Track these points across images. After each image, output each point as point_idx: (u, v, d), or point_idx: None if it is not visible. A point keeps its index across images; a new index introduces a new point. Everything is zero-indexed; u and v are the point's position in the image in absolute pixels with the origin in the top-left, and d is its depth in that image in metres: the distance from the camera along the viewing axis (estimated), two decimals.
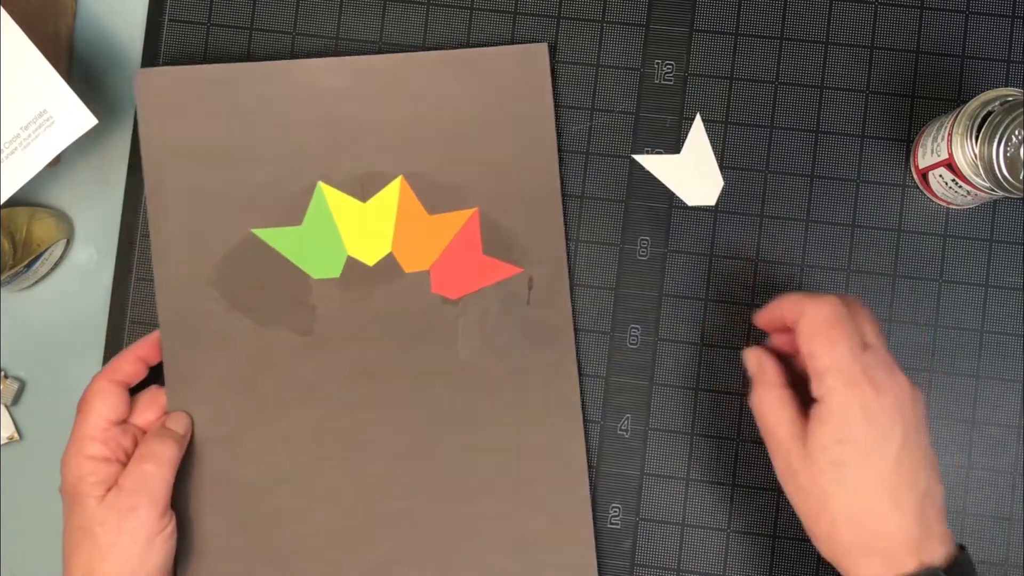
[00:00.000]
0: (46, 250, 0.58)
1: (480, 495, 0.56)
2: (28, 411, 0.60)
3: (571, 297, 0.57)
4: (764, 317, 0.49)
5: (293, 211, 0.56)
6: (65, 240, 0.59)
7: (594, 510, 0.57)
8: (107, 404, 0.52)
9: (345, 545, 0.55)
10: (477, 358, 0.56)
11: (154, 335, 0.56)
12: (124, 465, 0.52)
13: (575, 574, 0.56)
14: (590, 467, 0.57)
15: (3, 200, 0.51)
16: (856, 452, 0.43)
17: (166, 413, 0.55)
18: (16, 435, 0.59)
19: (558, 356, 0.56)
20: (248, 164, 0.56)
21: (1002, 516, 0.57)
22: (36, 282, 0.59)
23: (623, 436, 0.58)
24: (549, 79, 0.57)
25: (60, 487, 0.51)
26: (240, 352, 0.56)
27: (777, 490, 0.57)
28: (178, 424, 0.54)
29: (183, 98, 0.56)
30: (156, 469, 0.51)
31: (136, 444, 0.53)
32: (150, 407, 0.55)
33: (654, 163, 0.58)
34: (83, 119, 0.52)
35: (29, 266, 0.57)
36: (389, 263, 0.56)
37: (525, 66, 0.57)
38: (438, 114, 0.57)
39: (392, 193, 0.56)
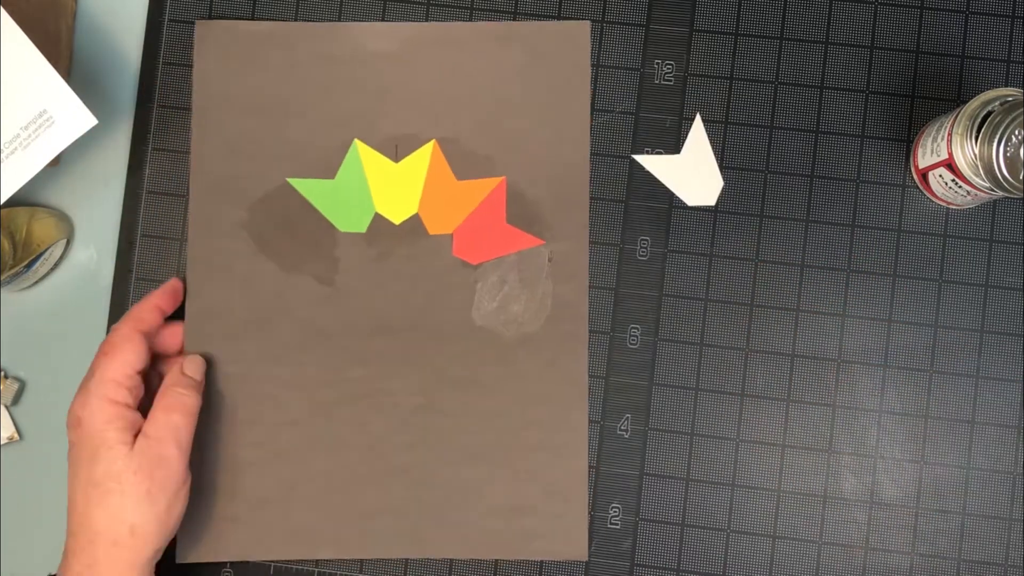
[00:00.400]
0: (46, 250, 0.58)
1: (481, 458, 0.57)
2: (28, 411, 0.60)
3: (589, 275, 0.58)
4: None
5: (328, 165, 0.58)
6: (65, 240, 0.59)
7: (594, 510, 0.57)
8: (135, 351, 0.52)
9: (345, 491, 0.57)
10: (490, 324, 0.57)
11: (169, 285, 0.56)
12: (139, 413, 0.52)
13: (566, 546, 0.57)
14: (590, 467, 0.57)
15: (3, 200, 0.51)
16: None
17: (182, 356, 0.56)
18: (16, 435, 0.59)
19: (570, 330, 0.57)
20: (291, 116, 0.58)
21: (1002, 516, 0.57)
22: (36, 282, 0.59)
23: (623, 436, 0.58)
24: (589, 57, 0.58)
25: (74, 433, 0.50)
26: (262, 295, 0.58)
27: (777, 490, 0.57)
28: (196, 371, 0.55)
29: (238, 50, 0.58)
30: (183, 419, 0.51)
31: (145, 393, 0.53)
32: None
33: (654, 163, 0.58)
34: (83, 119, 0.52)
35: (29, 266, 0.57)
36: (414, 223, 0.58)
37: (566, 42, 0.58)
38: (476, 83, 0.58)
39: (424, 156, 0.58)
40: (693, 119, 0.58)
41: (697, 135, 0.58)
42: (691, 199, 0.58)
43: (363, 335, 0.57)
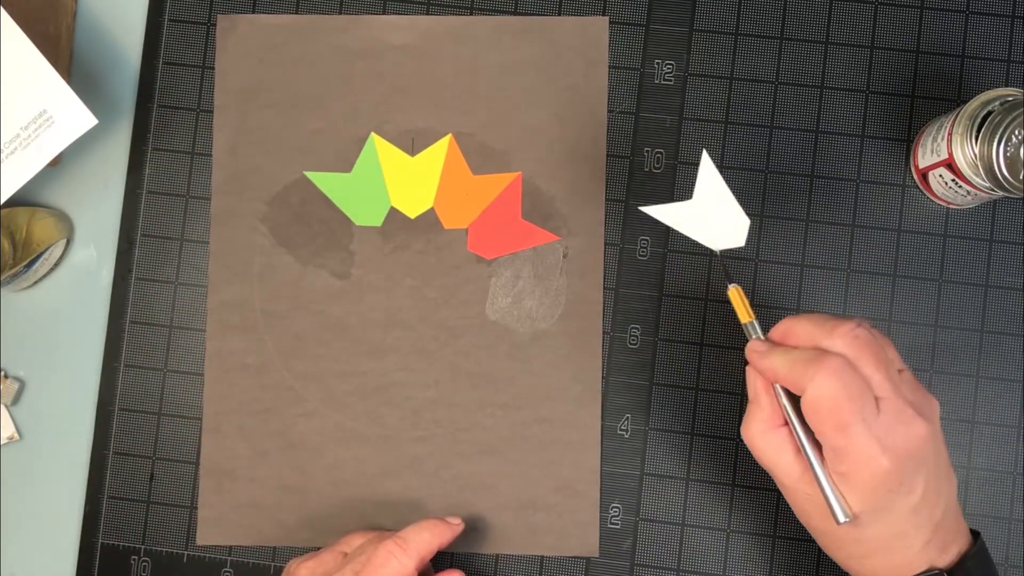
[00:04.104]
0: (46, 250, 0.58)
1: (494, 453, 0.57)
2: (28, 411, 0.60)
3: (604, 272, 0.58)
4: (761, 367, 0.44)
5: (345, 158, 0.59)
6: (65, 240, 0.59)
7: None
8: None
9: (359, 482, 0.58)
10: (504, 319, 0.58)
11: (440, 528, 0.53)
12: None
13: (577, 541, 0.57)
14: None
15: (3, 200, 0.51)
16: (874, 516, 0.42)
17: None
18: (16, 435, 0.59)
19: (584, 326, 0.58)
20: (309, 110, 0.59)
21: (1002, 516, 0.57)
22: (36, 282, 0.59)
23: (623, 436, 0.58)
24: (607, 53, 0.58)
25: None
26: (280, 287, 0.58)
27: (777, 490, 0.57)
28: None
29: (259, 44, 0.59)
30: None
31: None
32: None
33: (667, 213, 0.49)
34: (83, 119, 0.52)
35: (29, 266, 0.57)
36: (430, 218, 0.58)
37: (584, 37, 0.59)
38: (494, 77, 0.58)
39: (440, 150, 0.58)
40: (692, 119, 0.58)
41: (707, 175, 0.49)
42: (718, 243, 0.48)
43: (378, 328, 0.58)
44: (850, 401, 0.40)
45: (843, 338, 0.41)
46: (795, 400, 0.43)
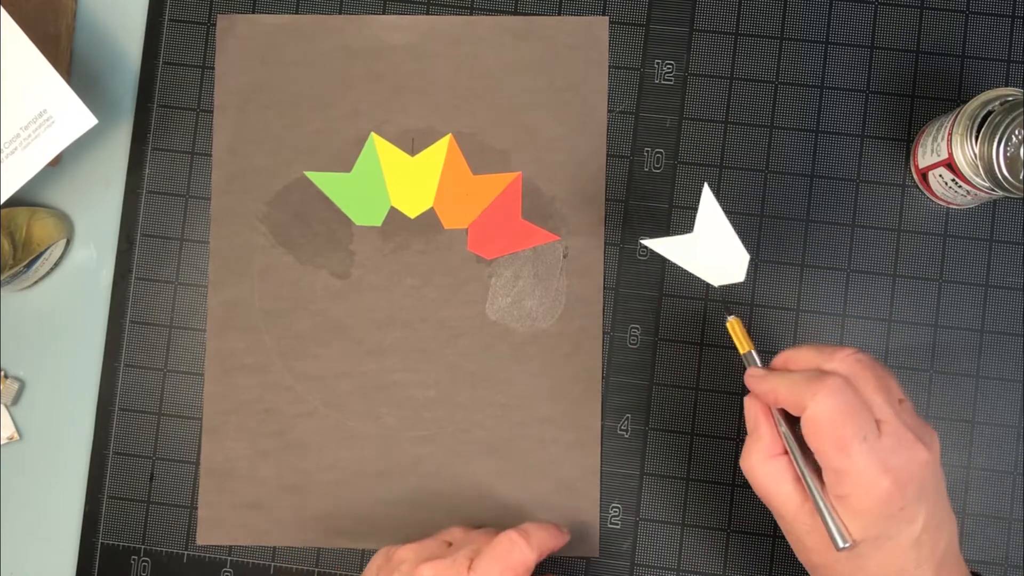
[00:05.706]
0: (46, 250, 0.58)
1: (494, 452, 0.57)
2: (28, 411, 0.60)
3: (604, 271, 0.58)
4: (761, 389, 0.44)
5: (345, 158, 0.59)
6: (65, 240, 0.59)
7: None
8: None
9: (359, 482, 0.58)
10: (504, 319, 0.58)
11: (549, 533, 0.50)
12: None
13: (577, 542, 0.57)
14: None
15: (3, 200, 0.51)
16: (875, 545, 0.41)
17: None
18: (16, 435, 0.59)
19: (584, 326, 0.58)
20: (309, 110, 0.59)
21: (1002, 516, 0.57)
22: (36, 282, 0.59)
23: (623, 436, 0.58)
24: (607, 52, 0.59)
25: None
26: (280, 287, 0.58)
27: None
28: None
29: (258, 43, 0.59)
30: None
31: None
32: None
33: (667, 246, 0.49)
34: (83, 119, 0.52)
35: (29, 266, 0.57)
36: (429, 218, 0.58)
37: (585, 37, 0.59)
38: (494, 77, 0.59)
39: (440, 150, 0.58)
40: (692, 119, 0.58)
41: (707, 209, 0.48)
42: (717, 279, 0.48)
43: (378, 328, 0.58)
44: (852, 418, 0.40)
45: (844, 361, 0.42)
46: (793, 426, 0.43)
